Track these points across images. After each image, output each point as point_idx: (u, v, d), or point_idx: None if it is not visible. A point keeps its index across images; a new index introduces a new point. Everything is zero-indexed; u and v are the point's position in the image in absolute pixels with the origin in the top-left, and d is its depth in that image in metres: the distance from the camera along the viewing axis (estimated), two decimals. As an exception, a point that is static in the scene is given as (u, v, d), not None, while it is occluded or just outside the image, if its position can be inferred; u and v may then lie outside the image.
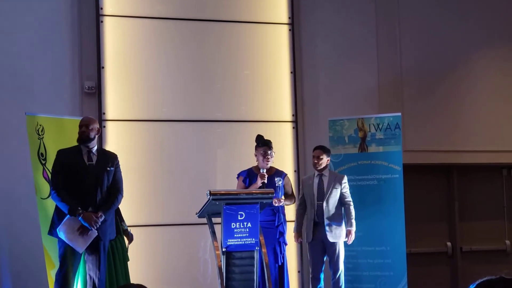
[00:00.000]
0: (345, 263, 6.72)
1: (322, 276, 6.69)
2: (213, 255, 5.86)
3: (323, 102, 8.15)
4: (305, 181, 6.85)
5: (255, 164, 6.56)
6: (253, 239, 5.70)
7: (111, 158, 5.59)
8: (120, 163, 5.66)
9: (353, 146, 7.46)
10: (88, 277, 5.39)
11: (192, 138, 7.68)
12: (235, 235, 5.65)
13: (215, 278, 5.89)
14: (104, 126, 7.39)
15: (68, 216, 5.23)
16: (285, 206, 6.62)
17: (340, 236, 6.61)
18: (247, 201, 5.73)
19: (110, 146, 7.36)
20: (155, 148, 7.56)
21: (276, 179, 6.36)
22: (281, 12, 8.05)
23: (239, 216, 5.66)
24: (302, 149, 7.98)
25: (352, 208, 6.64)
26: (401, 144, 7.37)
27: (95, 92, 7.44)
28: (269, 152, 6.44)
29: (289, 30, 8.05)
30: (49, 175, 5.83)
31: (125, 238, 6.07)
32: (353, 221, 6.62)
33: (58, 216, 5.37)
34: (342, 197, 6.67)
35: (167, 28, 7.73)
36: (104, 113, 7.41)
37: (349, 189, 6.73)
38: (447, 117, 8.58)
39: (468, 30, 8.74)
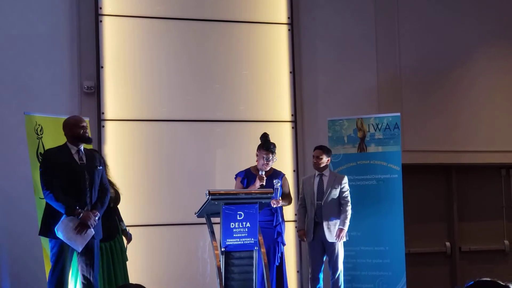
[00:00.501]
0: (344, 263, 6.72)
1: (321, 276, 6.69)
2: (212, 255, 5.86)
3: (322, 102, 8.16)
4: (305, 181, 6.86)
5: (255, 163, 6.55)
6: (252, 239, 5.69)
7: (98, 157, 5.57)
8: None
9: (352, 146, 7.46)
10: (81, 277, 5.36)
11: (191, 138, 7.68)
12: (234, 235, 5.64)
13: (214, 278, 5.89)
14: (103, 126, 7.39)
15: (64, 215, 5.20)
16: (283, 206, 6.62)
17: (339, 236, 6.62)
18: (246, 201, 5.72)
19: (109, 146, 7.36)
20: (154, 148, 7.56)
21: (274, 181, 6.35)
22: (281, 12, 8.05)
23: (238, 216, 5.65)
24: (301, 149, 7.99)
25: (348, 208, 6.63)
26: (400, 144, 7.38)
27: (94, 92, 7.44)
28: (271, 157, 6.42)
29: (288, 30, 8.05)
30: None
31: (124, 238, 6.06)
32: (347, 221, 6.60)
33: (51, 216, 5.26)
34: (341, 197, 6.67)
35: (167, 28, 7.73)
36: (103, 113, 7.41)
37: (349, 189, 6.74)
38: (446, 117, 8.59)
39: (467, 30, 8.74)
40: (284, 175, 6.67)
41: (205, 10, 7.85)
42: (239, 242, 5.66)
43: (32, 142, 6.22)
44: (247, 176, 6.50)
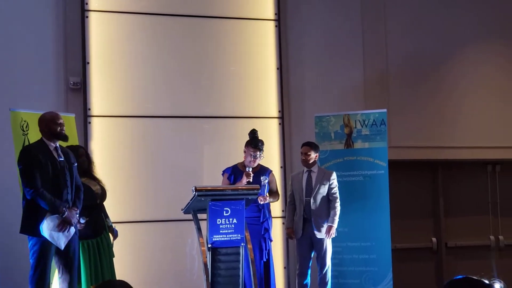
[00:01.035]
0: (331, 258, 6.73)
1: (309, 271, 6.71)
2: (199, 251, 5.85)
3: (309, 98, 8.16)
4: (294, 177, 6.87)
5: (242, 160, 6.55)
6: (239, 235, 5.70)
7: (71, 153, 5.51)
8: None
9: (339, 142, 7.47)
10: (61, 274, 5.32)
11: (178, 134, 7.67)
12: (221, 231, 5.64)
13: (201, 274, 5.88)
14: (90, 122, 7.36)
15: (47, 213, 5.16)
16: (271, 203, 6.62)
17: (327, 233, 6.64)
18: (233, 197, 5.71)
19: (96, 142, 7.34)
20: (141, 145, 7.54)
21: (262, 178, 6.35)
22: (267, 8, 8.05)
23: (224, 212, 5.65)
24: (288, 145, 7.99)
25: (337, 205, 6.65)
26: (387, 140, 7.40)
27: (80, 88, 7.41)
28: (258, 154, 6.42)
29: (275, 26, 8.05)
30: None
31: (110, 235, 6.04)
32: (336, 218, 6.62)
33: (33, 214, 5.20)
34: (329, 193, 6.68)
35: (153, 23, 7.70)
36: (89, 109, 7.38)
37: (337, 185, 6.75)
38: (432, 113, 8.61)
39: (455, 27, 8.77)
40: (271, 171, 6.67)
41: (191, 6, 7.83)
42: (225, 238, 5.66)
43: (18, 139, 6.18)
44: (234, 172, 6.50)
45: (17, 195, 6.23)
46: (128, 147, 7.48)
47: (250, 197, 5.84)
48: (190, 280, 7.52)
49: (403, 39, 8.58)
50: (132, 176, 7.46)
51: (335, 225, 6.61)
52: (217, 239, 5.63)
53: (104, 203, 6.05)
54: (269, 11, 8.06)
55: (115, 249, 6.07)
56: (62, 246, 5.21)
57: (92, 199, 5.76)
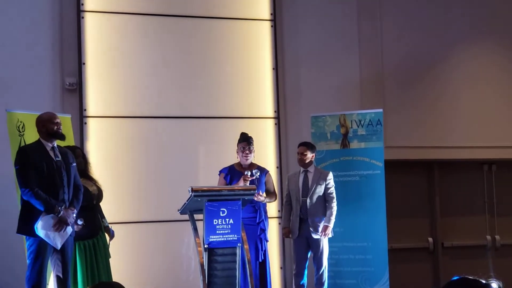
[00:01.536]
0: (328, 259, 6.73)
1: (305, 272, 6.71)
2: (195, 251, 5.85)
3: (305, 98, 8.16)
4: (290, 178, 6.87)
5: (237, 160, 6.56)
6: (235, 236, 5.70)
7: (70, 153, 5.52)
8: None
9: (335, 142, 7.48)
10: (55, 275, 5.31)
11: (174, 134, 7.66)
12: (217, 232, 5.64)
13: (198, 274, 5.88)
14: (85, 123, 7.35)
15: (43, 213, 5.16)
16: (268, 203, 6.62)
17: (323, 233, 6.64)
18: (229, 197, 5.72)
19: (92, 143, 7.33)
20: (136, 145, 7.53)
21: (253, 171, 6.33)
22: (263, 8, 8.05)
23: (221, 212, 5.65)
24: (284, 146, 7.98)
25: (334, 205, 6.66)
26: (383, 140, 7.40)
27: (76, 89, 7.40)
28: (247, 147, 6.43)
29: (271, 26, 8.05)
30: None
31: (106, 235, 6.04)
32: (332, 218, 6.62)
33: (29, 214, 5.21)
34: (326, 193, 6.68)
35: (149, 24, 7.70)
36: (85, 110, 7.37)
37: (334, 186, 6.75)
38: (428, 113, 8.62)
39: (449, 26, 8.78)
40: (268, 171, 6.68)
41: (187, 6, 7.82)
42: (222, 239, 5.66)
43: (14, 139, 6.18)
44: (230, 173, 6.50)
45: (13, 196, 6.23)
46: (124, 148, 7.47)
47: (246, 197, 5.84)
48: (187, 281, 7.51)
49: (399, 39, 8.58)
50: (128, 177, 7.45)
51: (331, 225, 6.61)
52: (214, 239, 5.63)
53: (101, 203, 6.05)
54: (264, 11, 8.06)
55: (112, 249, 6.06)
56: (59, 246, 5.21)
57: (89, 200, 5.75)
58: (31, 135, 6.15)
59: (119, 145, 7.46)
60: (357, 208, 7.26)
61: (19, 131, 6.21)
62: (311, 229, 6.60)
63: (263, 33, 8.03)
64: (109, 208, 6.48)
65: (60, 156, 5.34)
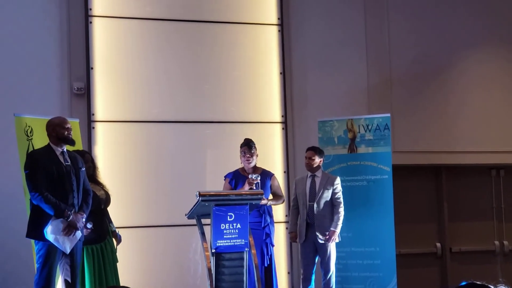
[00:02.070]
0: (335, 264, 6.72)
1: (313, 277, 6.69)
2: (203, 256, 5.85)
3: (313, 103, 8.16)
4: (298, 182, 6.86)
5: (242, 165, 6.58)
6: (243, 240, 5.69)
7: (79, 158, 5.52)
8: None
9: (343, 147, 7.46)
10: (64, 279, 5.32)
11: (182, 139, 7.67)
12: (225, 236, 5.64)
13: (205, 279, 5.88)
14: (93, 127, 7.37)
15: (53, 217, 5.17)
16: (272, 208, 6.60)
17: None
18: (237, 202, 5.71)
19: (99, 147, 7.35)
20: (144, 150, 7.54)
21: (254, 176, 6.33)
22: (271, 13, 8.05)
23: (228, 217, 5.65)
24: (291, 150, 7.98)
25: (341, 210, 6.64)
26: (391, 145, 7.39)
27: (84, 93, 7.42)
28: (248, 151, 6.45)
29: (279, 31, 8.05)
30: None
31: (114, 240, 6.04)
32: (339, 223, 6.60)
33: (39, 218, 5.22)
34: (333, 198, 6.67)
35: (157, 29, 7.71)
36: (93, 114, 7.39)
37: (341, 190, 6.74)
38: (436, 118, 8.60)
39: (457, 31, 8.76)
40: (273, 175, 6.68)
41: (195, 11, 7.84)
42: (229, 244, 5.66)
43: (22, 144, 6.19)
44: (235, 177, 6.51)
45: (21, 200, 6.24)
46: (131, 152, 7.48)
47: (253, 202, 5.83)
48: (194, 285, 7.51)
49: (407, 44, 8.57)
50: (136, 181, 7.46)
51: (338, 230, 6.59)
52: (221, 244, 5.62)
53: (108, 208, 6.06)
54: (272, 16, 8.06)
55: (119, 254, 6.07)
56: (68, 250, 5.21)
57: (97, 204, 5.76)
58: (39, 140, 6.17)
59: (127, 150, 7.47)
60: (365, 213, 7.24)
61: (27, 136, 6.23)
62: (317, 233, 6.59)
63: (271, 38, 8.03)
64: (116, 212, 6.48)
65: (69, 161, 5.35)
